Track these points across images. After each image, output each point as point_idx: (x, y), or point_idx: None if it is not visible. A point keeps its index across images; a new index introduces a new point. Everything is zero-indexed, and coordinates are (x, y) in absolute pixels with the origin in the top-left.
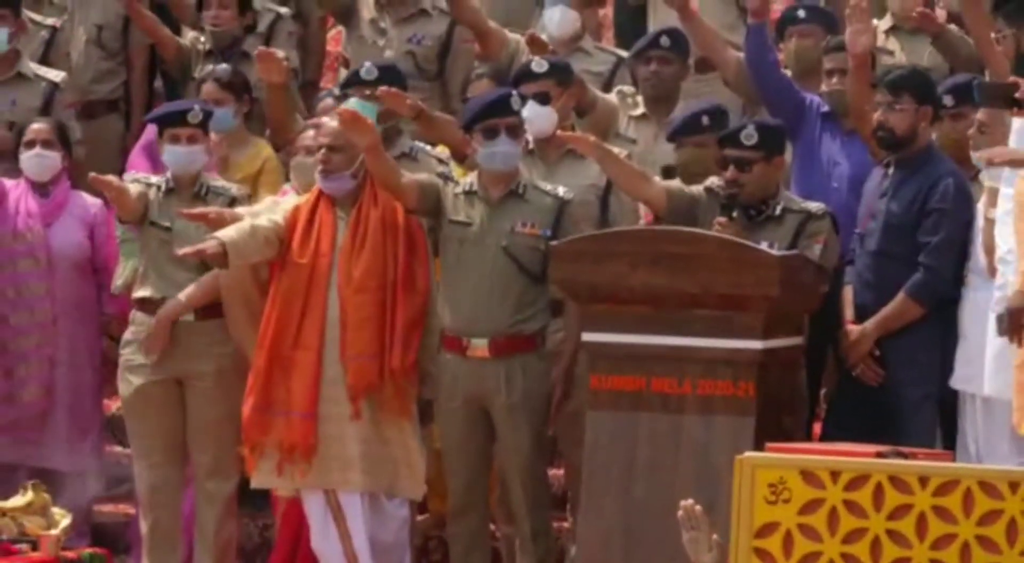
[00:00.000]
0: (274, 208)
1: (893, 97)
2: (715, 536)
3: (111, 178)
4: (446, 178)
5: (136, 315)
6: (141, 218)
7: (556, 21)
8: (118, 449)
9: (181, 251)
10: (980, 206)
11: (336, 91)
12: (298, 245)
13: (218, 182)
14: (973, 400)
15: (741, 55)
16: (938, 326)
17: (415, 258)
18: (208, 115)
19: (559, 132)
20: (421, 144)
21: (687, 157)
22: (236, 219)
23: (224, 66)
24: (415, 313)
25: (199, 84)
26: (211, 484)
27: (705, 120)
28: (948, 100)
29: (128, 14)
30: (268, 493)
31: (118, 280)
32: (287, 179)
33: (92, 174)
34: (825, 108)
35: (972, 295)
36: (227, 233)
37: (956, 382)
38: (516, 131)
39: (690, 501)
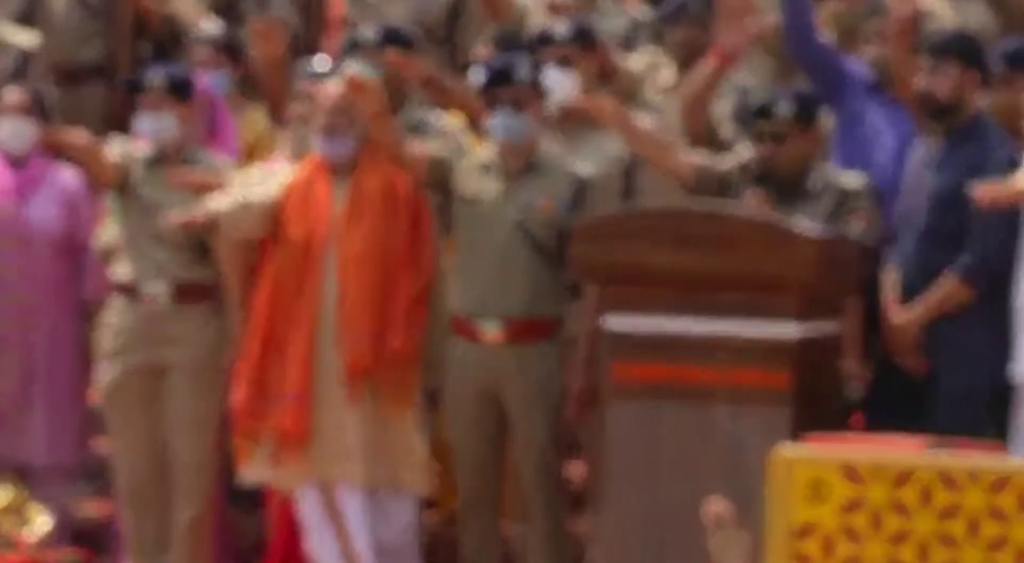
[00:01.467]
0: (266, 179)
1: (936, 61)
2: (745, 538)
3: (75, 135)
4: (460, 151)
5: (114, 299)
6: (121, 186)
7: None
8: (102, 442)
9: (175, 218)
10: None
11: (314, 69)
12: (292, 218)
13: (207, 154)
14: None
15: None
16: (989, 310)
17: (418, 233)
18: (178, 82)
19: (577, 97)
20: (431, 118)
21: None
22: (223, 184)
23: (217, 27)
24: (418, 291)
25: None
26: (185, 479)
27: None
28: (1000, 66)
29: None
30: (263, 490)
31: (102, 237)
32: None
33: (47, 130)
34: (869, 75)
35: None
36: (220, 203)
37: (1018, 375)
38: (520, 102)
39: (717, 500)
